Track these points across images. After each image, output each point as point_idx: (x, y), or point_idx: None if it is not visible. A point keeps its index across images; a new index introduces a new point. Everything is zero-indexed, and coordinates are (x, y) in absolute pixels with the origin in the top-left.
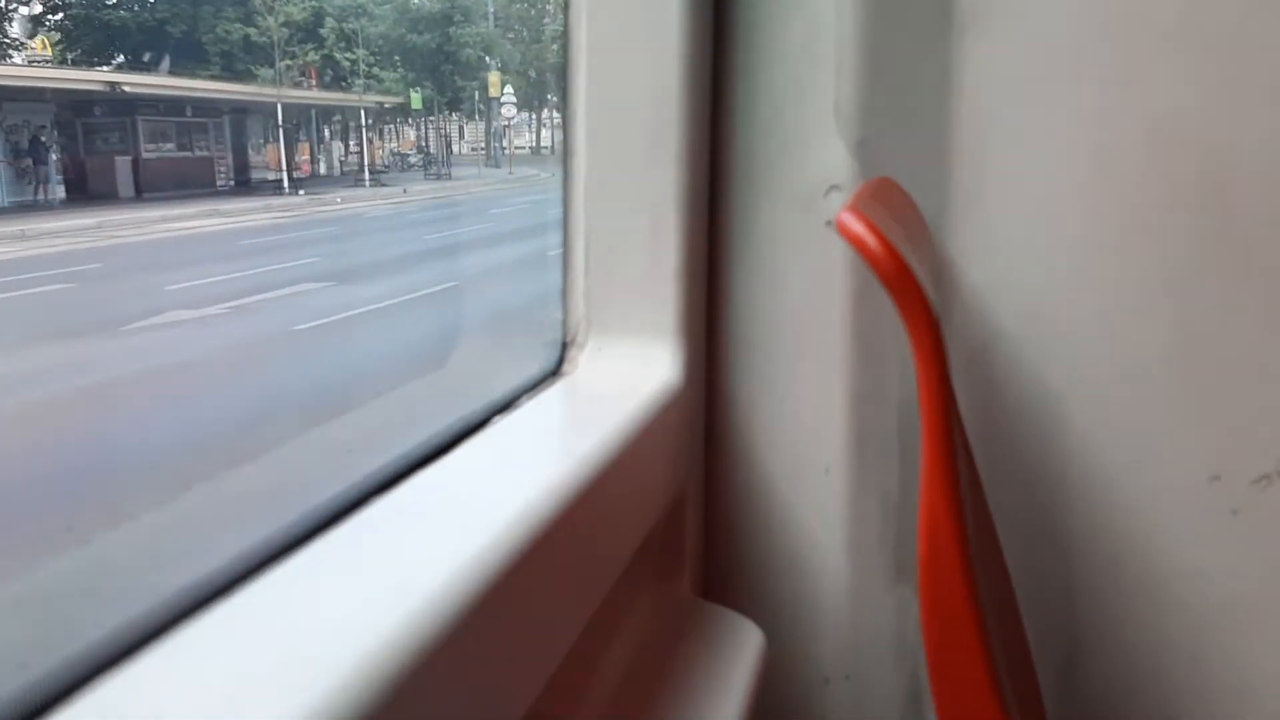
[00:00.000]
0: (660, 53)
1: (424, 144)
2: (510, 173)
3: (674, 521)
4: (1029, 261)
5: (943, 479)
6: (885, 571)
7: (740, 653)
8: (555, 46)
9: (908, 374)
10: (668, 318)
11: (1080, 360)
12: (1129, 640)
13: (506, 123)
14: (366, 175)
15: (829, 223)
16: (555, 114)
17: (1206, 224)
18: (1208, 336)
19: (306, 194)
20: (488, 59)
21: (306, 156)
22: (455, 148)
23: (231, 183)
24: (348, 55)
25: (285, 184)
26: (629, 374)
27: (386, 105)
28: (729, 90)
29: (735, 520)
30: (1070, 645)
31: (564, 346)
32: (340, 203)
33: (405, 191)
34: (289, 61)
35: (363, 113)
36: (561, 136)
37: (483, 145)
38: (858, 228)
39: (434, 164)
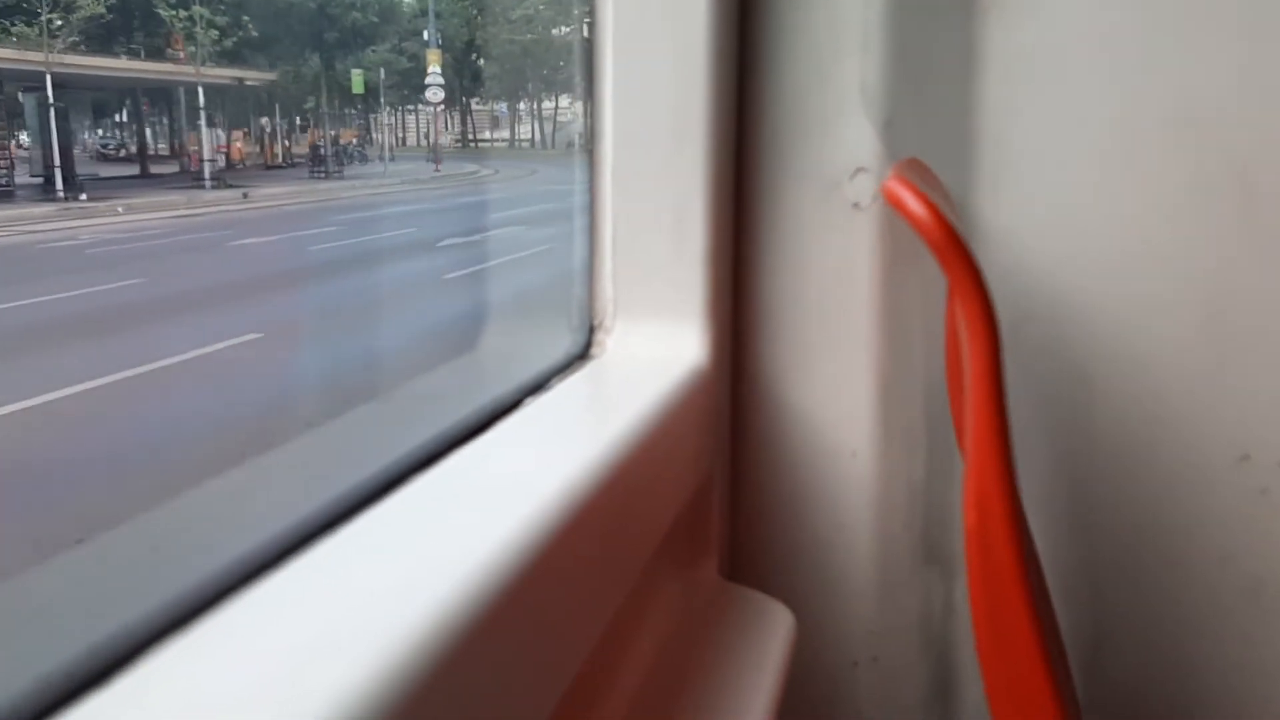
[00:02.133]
0: (686, 36)
1: (366, 135)
2: (437, 170)
3: (701, 504)
4: (1054, 244)
5: (993, 447)
6: (912, 556)
7: (771, 635)
8: (533, 27)
9: (934, 356)
10: (694, 301)
11: (1107, 342)
12: (1156, 622)
13: (433, 109)
14: (206, 173)
15: (856, 204)
16: (538, 104)
17: (1232, 205)
18: (1235, 317)
19: (73, 200)
20: (426, 35)
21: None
22: (431, 140)
23: None
24: (175, 13)
25: (60, 185)
26: (656, 357)
27: (249, 82)
28: (754, 73)
29: (761, 503)
30: (1097, 627)
31: (591, 330)
32: (121, 212)
33: (246, 196)
34: (60, 17)
35: (200, 91)
36: (552, 128)
37: (478, 137)
38: (905, 195)
39: (323, 161)
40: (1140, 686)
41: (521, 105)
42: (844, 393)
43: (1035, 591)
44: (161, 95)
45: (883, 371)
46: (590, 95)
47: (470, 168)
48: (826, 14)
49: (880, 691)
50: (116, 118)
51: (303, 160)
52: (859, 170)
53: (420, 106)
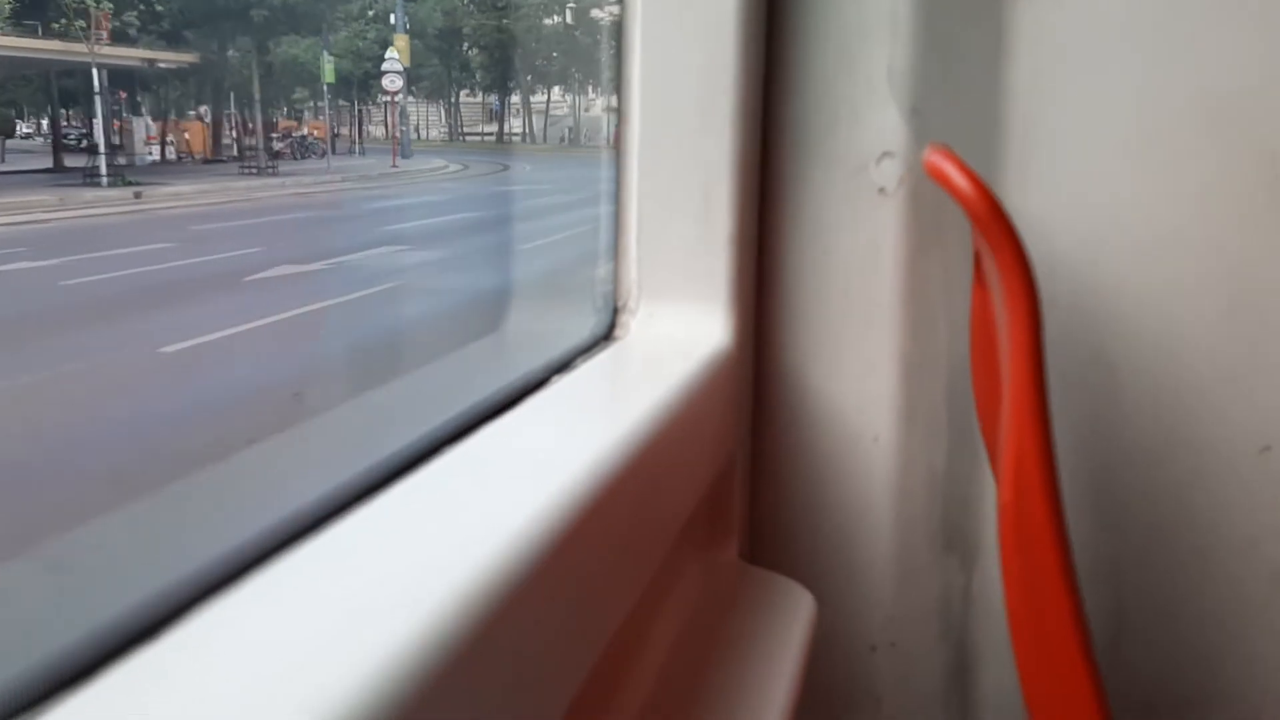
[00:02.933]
0: (714, 20)
1: (334, 129)
2: (394, 166)
3: (723, 487)
4: (1081, 229)
5: (1033, 421)
6: (931, 541)
7: (792, 618)
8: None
9: (958, 343)
10: (719, 284)
11: (1131, 331)
12: (1178, 611)
13: (389, 99)
14: (102, 167)
15: (881, 189)
16: (528, 96)
17: (1260, 194)
18: (1259, 307)
19: None
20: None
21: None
22: (396, 132)
23: None
24: None
25: None
26: (680, 339)
27: (162, 65)
28: (782, 58)
29: (783, 487)
30: (1118, 615)
31: (615, 311)
32: None
33: (139, 196)
34: None
35: (96, 73)
36: (544, 123)
37: (465, 131)
38: (947, 167)
39: (257, 155)
40: (1161, 675)
41: (516, 99)
42: (867, 378)
43: (1071, 569)
44: (84, 79)
45: (906, 357)
46: (618, 78)
47: (437, 163)
48: None
49: (897, 676)
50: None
51: (254, 154)
52: (885, 155)
53: (409, 98)
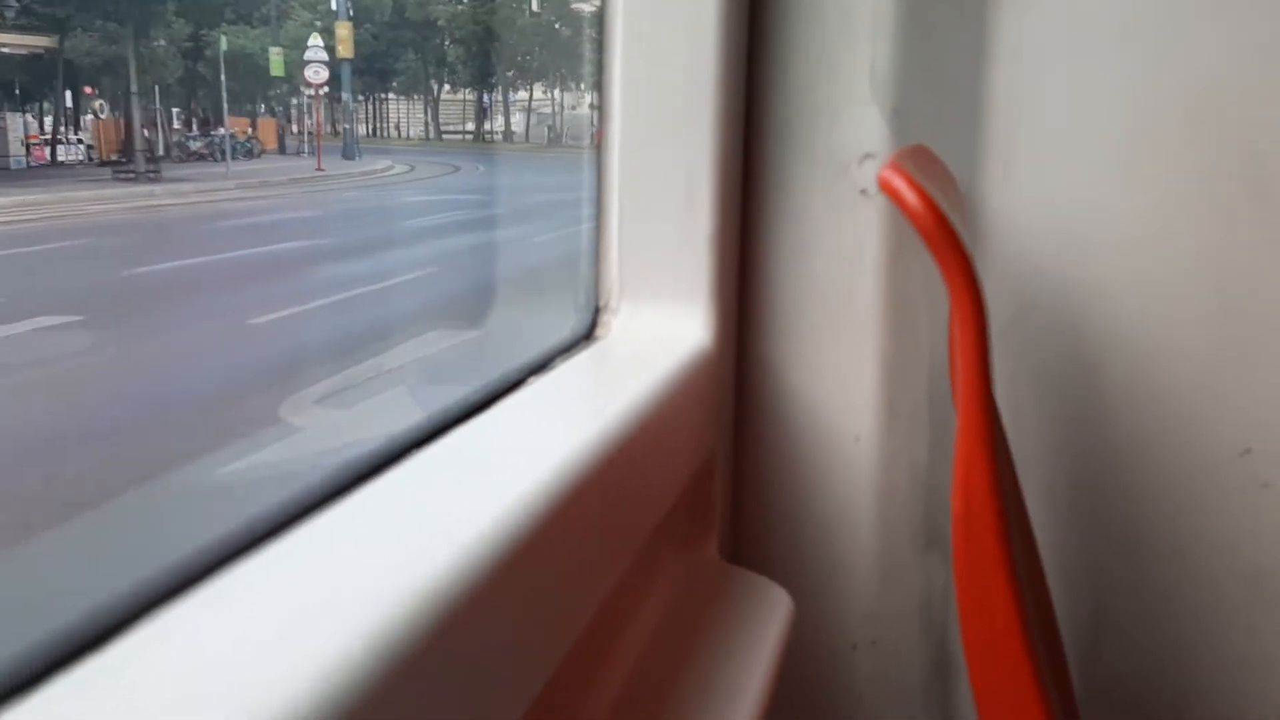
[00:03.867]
0: (696, 18)
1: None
2: (320, 169)
3: (702, 485)
4: (1063, 231)
5: (979, 435)
6: (913, 539)
7: (768, 617)
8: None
9: (939, 343)
10: (700, 284)
11: (1113, 332)
12: (1156, 613)
13: (312, 92)
14: None
15: (863, 190)
16: (506, 92)
17: (1244, 196)
18: (1242, 310)
19: None
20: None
21: None
22: (346, 131)
23: None
24: None
25: None
26: (661, 339)
27: (22, 51)
28: (764, 57)
29: (764, 486)
30: (1096, 617)
31: (596, 311)
32: None
33: None
34: None
35: None
36: (526, 120)
37: (443, 130)
38: (899, 184)
39: (134, 158)
40: (1139, 676)
41: (508, 95)
42: (848, 377)
43: (1022, 580)
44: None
45: (887, 356)
46: (599, 76)
47: (379, 165)
48: None
49: (879, 675)
50: None
51: (181, 154)
52: (866, 156)
53: (389, 96)
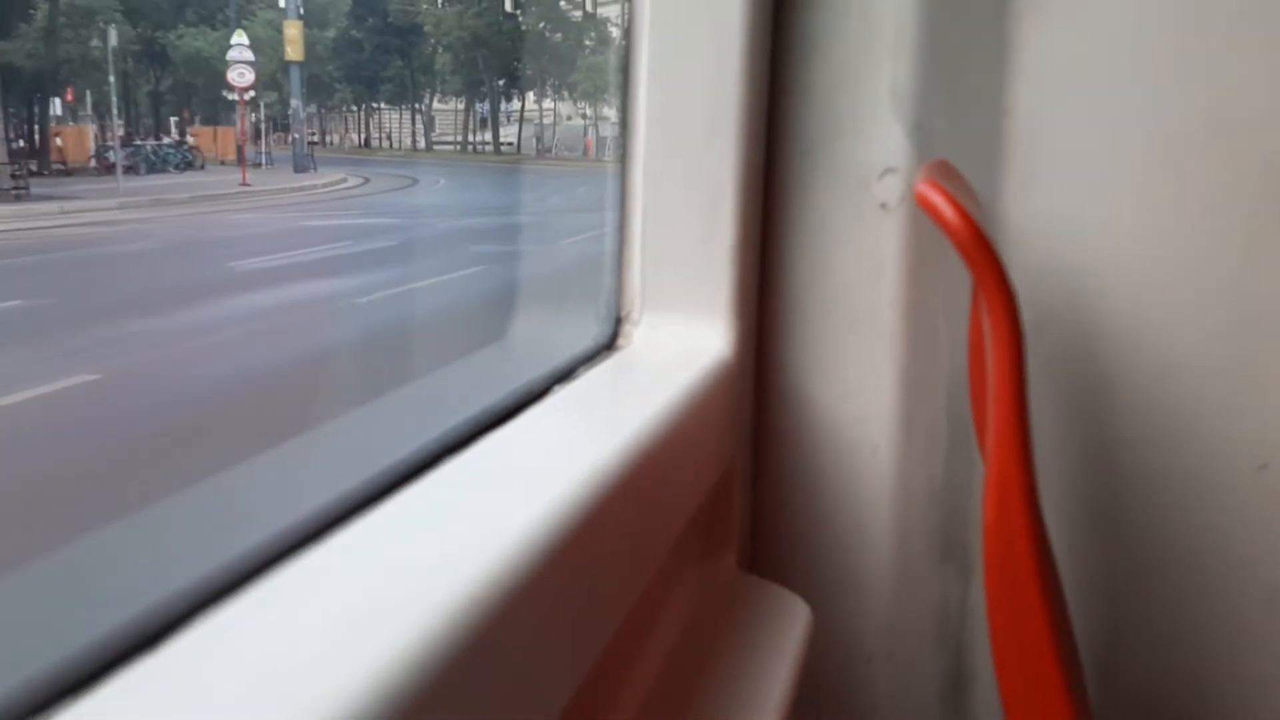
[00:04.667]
0: (721, 34)
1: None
2: (245, 183)
3: (722, 496)
4: (1082, 247)
5: (1014, 445)
6: (930, 553)
7: (787, 628)
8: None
9: (957, 356)
10: (721, 296)
11: (1131, 347)
12: (1171, 629)
13: (239, 95)
14: None
15: (884, 205)
16: (494, 101)
17: (1264, 212)
18: (1260, 325)
19: None
20: None
21: None
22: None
23: None
24: None
25: None
26: (681, 349)
27: None
28: (787, 72)
29: (782, 497)
30: (1112, 632)
31: (618, 321)
32: None
33: None
34: None
35: None
36: (519, 131)
37: (432, 140)
38: (936, 198)
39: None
40: (1153, 693)
41: (509, 104)
42: (867, 389)
43: (1052, 593)
44: None
45: (906, 369)
46: (625, 90)
47: (330, 179)
48: (860, 15)
49: (894, 687)
50: None
51: (100, 168)
52: (887, 171)
53: (382, 105)
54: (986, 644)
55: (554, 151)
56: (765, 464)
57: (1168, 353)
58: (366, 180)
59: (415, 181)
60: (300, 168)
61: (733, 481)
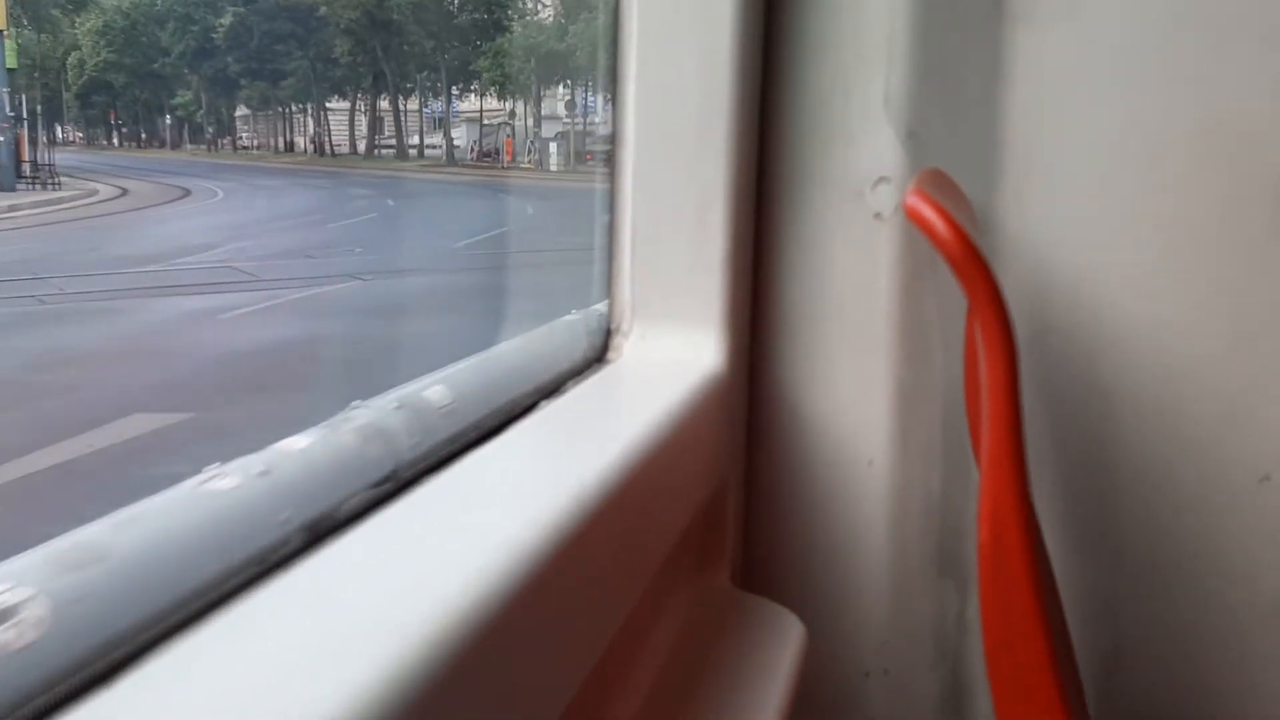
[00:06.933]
0: (710, 43)
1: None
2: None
3: (715, 511)
4: (1079, 256)
5: (1008, 462)
6: (926, 567)
7: (781, 645)
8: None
9: (953, 368)
10: (713, 307)
11: (1129, 357)
12: (1171, 641)
13: None
14: None
15: (878, 214)
16: (434, 100)
17: (1260, 222)
18: (1259, 336)
19: None
20: None
21: None
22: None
23: None
24: None
25: None
26: (673, 362)
27: None
28: (778, 81)
29: (776, 511)
30: (1112, 645)
31: (608, 333)
32: None
33: None
34: None
35: None
36: (478, 134)
37: (379, 144)
38: (926, 211)
39: None
40: (1154, 706)
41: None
42: (861, 402)
43: (1049, 609)
44: None
45: (900, 382)
46: (614, 98)
47: (57, 195)
48: (852, 23)
49: (891, 703)
50: None
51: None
52: (881, 180)
53: (329, 106)
54: (984, 659)
55: (467, 159)
56: (759, 478)
57: (1167, 363)
58: (124, 192)
59: (188, 193)
60: (4, 185)
61: (726, 496)
